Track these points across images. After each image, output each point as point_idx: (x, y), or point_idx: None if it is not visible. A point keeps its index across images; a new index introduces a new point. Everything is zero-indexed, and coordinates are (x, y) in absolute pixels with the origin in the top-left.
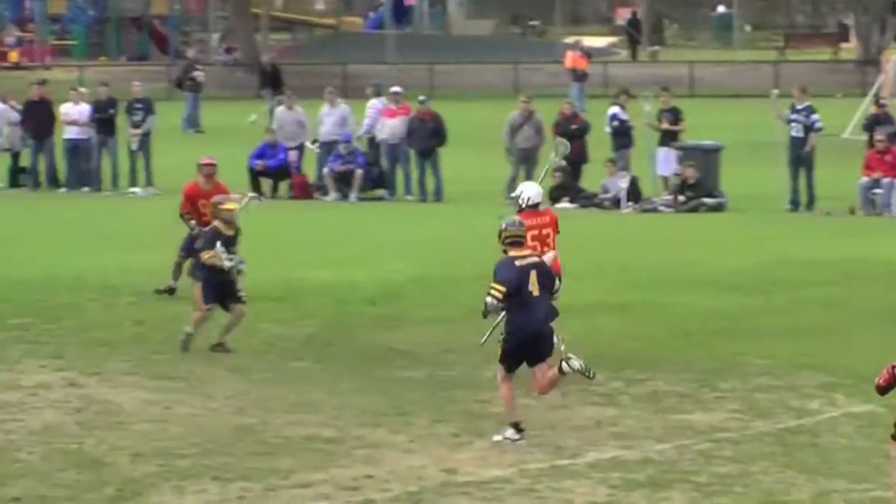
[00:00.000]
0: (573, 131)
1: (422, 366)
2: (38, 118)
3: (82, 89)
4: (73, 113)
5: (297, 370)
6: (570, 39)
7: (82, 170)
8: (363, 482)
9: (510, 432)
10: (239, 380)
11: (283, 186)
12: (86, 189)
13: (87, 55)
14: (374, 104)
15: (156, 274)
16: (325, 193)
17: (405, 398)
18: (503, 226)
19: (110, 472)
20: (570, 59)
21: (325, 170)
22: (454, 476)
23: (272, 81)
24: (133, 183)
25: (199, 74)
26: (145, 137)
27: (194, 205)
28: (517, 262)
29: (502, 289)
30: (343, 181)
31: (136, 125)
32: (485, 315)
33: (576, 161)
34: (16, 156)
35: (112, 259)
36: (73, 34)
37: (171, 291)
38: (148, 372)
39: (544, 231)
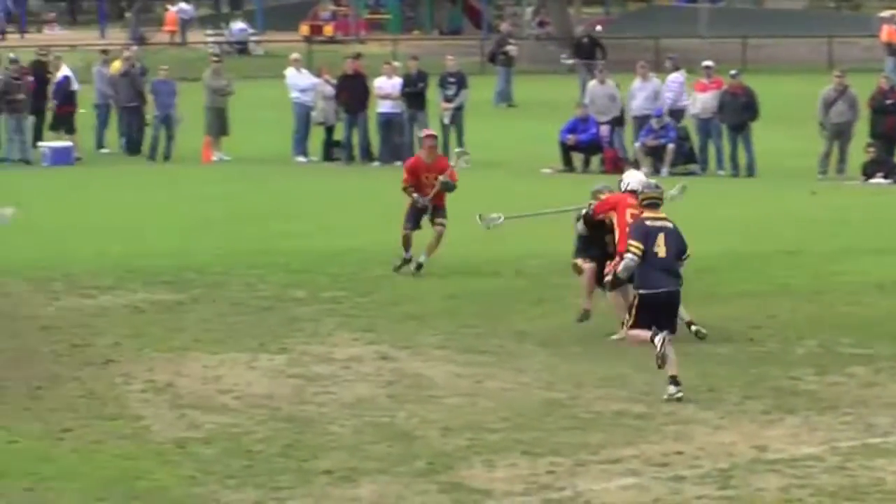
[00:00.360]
0: (888, 106)
1: (732, 341)
2: (353, 92)
3: (396, 63)
4: (387, 87)
5: (607, 345)
6: (885, 13)
7: (395, 143)
8: (673, 458)
9: (671, 388)
10: (549, 354)
11: (595, 161)
12: (398, 163)
13: (400, 29)
14: (675, 78)
15: (470, 247)
16: (637, 167)
17: (715, 374)
18: (641, 188)
19: (421, 446)
20: (886, 32)
21: (637, 144)
22: (764, 453)
23: (587, 54)
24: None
25: (511, 48)
26: (457, 111)
27: (418, 178)
28: (647, 223)
29: (640, 245)
30: (654, 155)
31: (448, 99)
32: (616, 278)
33: (891, 136)
34: (330, 129)
35: (423, 233)
36: (387, 8)
37: (406, 262)
38: (458, 346)
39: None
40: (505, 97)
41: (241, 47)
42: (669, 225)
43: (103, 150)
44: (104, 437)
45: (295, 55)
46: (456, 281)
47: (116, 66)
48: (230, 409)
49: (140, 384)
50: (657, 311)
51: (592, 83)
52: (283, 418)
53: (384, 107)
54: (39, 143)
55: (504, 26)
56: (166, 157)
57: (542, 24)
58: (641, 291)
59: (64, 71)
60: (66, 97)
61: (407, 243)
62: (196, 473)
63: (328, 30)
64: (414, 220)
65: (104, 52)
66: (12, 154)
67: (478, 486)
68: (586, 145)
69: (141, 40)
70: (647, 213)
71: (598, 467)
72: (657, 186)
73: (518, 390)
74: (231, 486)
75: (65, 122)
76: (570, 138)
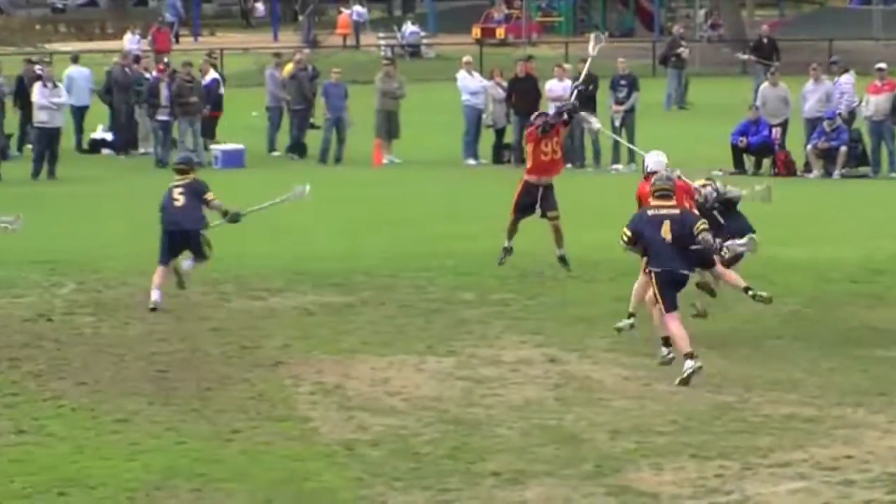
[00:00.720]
0: None
1: None
2: (523, 94)
3: (567, 65)
4: (557, 89)
5: (777, 348)
6: None
7: (565, 146)
8: (842, 462)
9: (689, 363)
10: (718, 357)
11: (766, 163)
12: (568, 165)
13: (572, 31)
14: (846, 80)
15: None
16: (809, 170)
17: (887, 378)
18: (653, 180)
19: (588, 448)
20: None
21: (809, 147)
22: None
23: (766, 55)
24: (615, 160)
25: (683, 51)
26: (629, 114)
27: (537, 152)
28: (649, 212)
29: (628, 233)
30: (827, 158)
31: (619, 102)
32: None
33: None
34: (500, 132)
35: (592, 236)
36: (558, 11)
37: (508, 252)
38: (627, 348)
39: None
40: (676, 99)
41: (413, 50)
42: (676, 212)
43: (275, 154)
44: (273, 439)
45: (467, 58)
46: (625, 283)
47: (289, 69)
48: (398, 412)
49: (309, 386)
50: (673, 289)
51: (764, 85)
52: (450, 420)
53: (555, 109)
54: (211, 146)
55: (676, 28)
56: (337, 160)
57: (714, 26)
58: (655, 269)
59: (212, 74)
60: (215, 102)
61: (512, 232)
62: (364, 475)
63: (500, 32)
64: (523, 208)
65: (276, 55)
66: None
67: (645, 489)
68: (757, 148)
69: (313, 43)
70: (654, 202)
71: (766, 471)
72: (668, 178)
73: (686, 393)
74: (398, 488)
75: (210, 127)
76: (741, 141)
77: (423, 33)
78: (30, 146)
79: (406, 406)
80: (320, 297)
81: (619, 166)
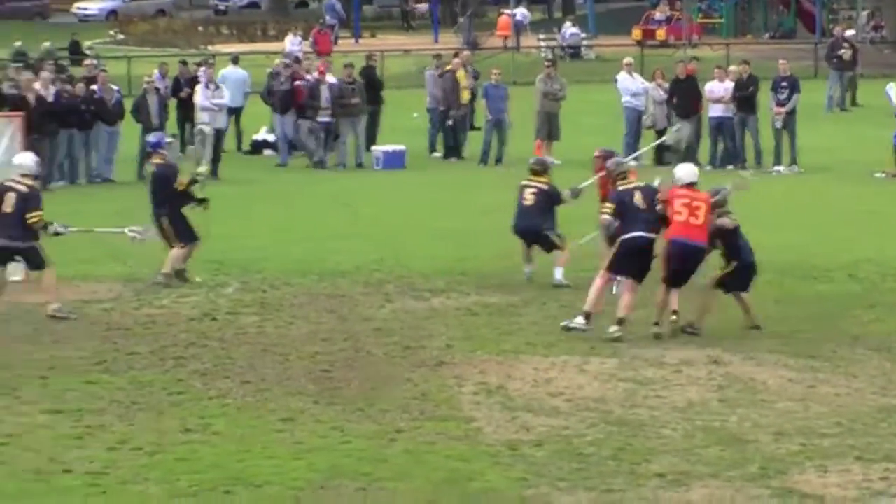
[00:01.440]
0: None
1: None
2: (685, 96)
3: (732, 67)
4: (719, 90)
5: None
6: None
7: (726, 147)
8: None
9: (579, 319)
10: (883, 359)
11: None
12: (729, 167)
13: (733, 33)
14: None
15: (802, 251)
16: None
17: None
18: (609, 166)
19: (753, 450)
20: None
21: None
22: None
23: None
24: (777, 161)
25: (844, 52)
26: (790, 116)
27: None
28: (620, 188)
29: (611, 205)
30: None
31: (780, 103)
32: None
33: None
34: (660, 133)
35: (755, 237)
36: (720, 12)
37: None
38: (790, 350)
39: (694, 203)
40: (838, 101)
41: (573, 52)
42: (641, 184)
43: (435, 154)
44: (436, 439)
45: (628, 59)
46: (788, 285)
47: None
48: (561, 412)
49: (472, 386)
50: (633, 256)
51: None
52: (614, 421)
53: (715, 110)
54: (373, 147)
55: (838, 30)
56: (498, 161)
57: (876, 27)
58: (622, 237)
59: (330, 78)
60: None
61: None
62: (527, 475)
63: (661, 34)
64: None
65: (437, 56)
66: (344, 158)
67: (810, 491)
68: None
69: (474, 45)
70: (619, 183)
71: None
72: (619, 164)
73: (851, 395)
74: (563, 488)
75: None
76: None
77: (583, 35)
78: (191, 147)
79: (569, 407)
80: (483, 298)
81: (781, 167)
